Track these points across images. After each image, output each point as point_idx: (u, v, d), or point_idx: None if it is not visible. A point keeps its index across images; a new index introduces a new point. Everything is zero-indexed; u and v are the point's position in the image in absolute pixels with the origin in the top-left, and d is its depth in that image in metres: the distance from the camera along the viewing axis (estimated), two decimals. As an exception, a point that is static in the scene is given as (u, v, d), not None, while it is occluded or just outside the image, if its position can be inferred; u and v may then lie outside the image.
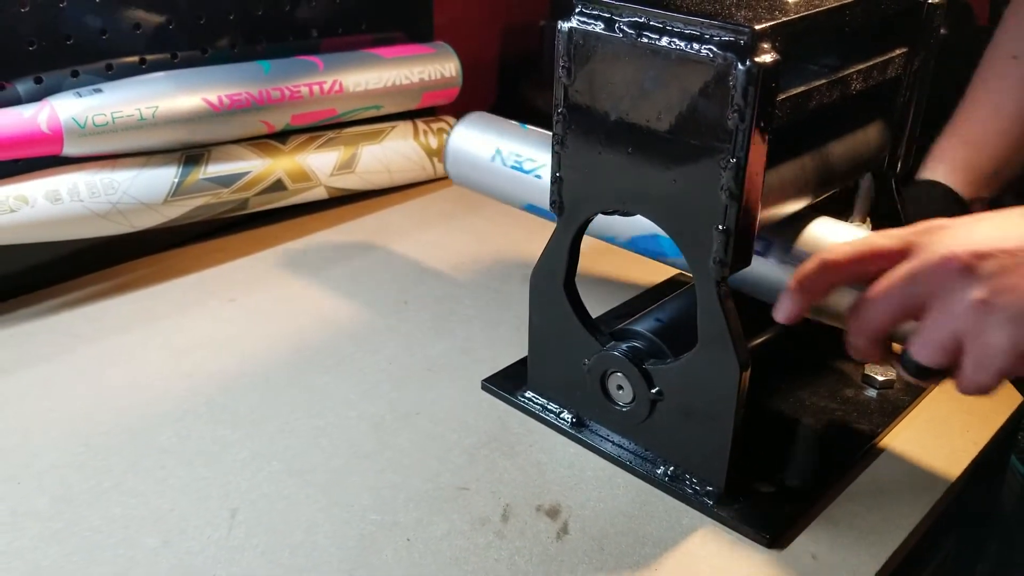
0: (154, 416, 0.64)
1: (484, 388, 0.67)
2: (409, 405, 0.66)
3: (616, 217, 0.60)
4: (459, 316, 0.77)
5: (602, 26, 0.51)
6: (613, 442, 0.61)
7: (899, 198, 0.65)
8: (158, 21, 0.83)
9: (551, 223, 0.60)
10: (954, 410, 0.66)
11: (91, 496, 0.57)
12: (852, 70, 0.55)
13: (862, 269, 0.51)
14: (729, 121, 0.47)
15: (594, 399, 0.61)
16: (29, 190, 0.73)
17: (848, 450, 0.61)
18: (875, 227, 0.66)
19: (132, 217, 0.79)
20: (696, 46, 0.47)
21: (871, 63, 0.57)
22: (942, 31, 0.61)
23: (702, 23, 0.47)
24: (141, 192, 0.78)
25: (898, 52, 0.59)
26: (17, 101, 0.76)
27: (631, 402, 0.59)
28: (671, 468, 0.58)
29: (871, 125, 0.62)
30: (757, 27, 0.46)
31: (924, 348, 0.49)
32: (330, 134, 0.93)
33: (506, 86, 1.25)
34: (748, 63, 0.46)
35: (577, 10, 0.52)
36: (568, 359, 0.61)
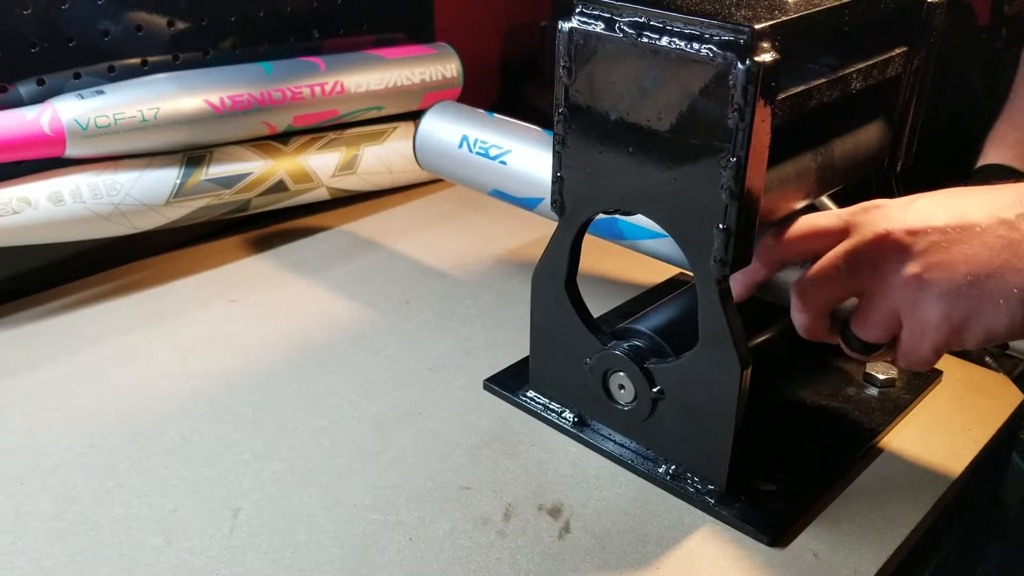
0: (157, 416, 0.64)
1: (486, 388, 0.68)
2: (411, 405, 0.66)
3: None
4: (461, 316, 0.78)
5: (602, 26, 0.51)
6: (615, 441, 0.61)
7: (898, 196, 0.65)
8: (160, 23, 0.83)
9: (552, 222, 0.60)
10: (955, 408, 0.66)
11: (94, 496, 0.57)
12: (852, 69, 0.56)
13: (804, 247, 0.53)
14: (729, 120, 0.47)
15: (596, 398, 0.61)
16: (32, 192, 0.74)
17: (849, 449, 0.61)
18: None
19: (134, 218, 0.79)
20: (696, 46, 0.48)
21: (871, 62, 0.57)
22: (942, 30, 0.61)
23: (702, 23, 0.47)
24: (143, 193, 0.79)
25: (898, 51, 0.59)
26: (19, 103, 0.76)
27: (632, 401, 0.59)
28: (673, 467, 0.58)
29: (871, 124, 0.62)
30: (757, 27, 0.46)
31: (864, 324, 0.52)
32: (332, 135, 0.93)
33: (507, 87, 1.25)
34: (748, 62, 0.46)
35: (577, 10, 0.52)
36: (570, 358, 0.62)
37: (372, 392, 0.67)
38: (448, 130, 0.76)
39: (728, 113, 0.47)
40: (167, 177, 0.80)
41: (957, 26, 1.08)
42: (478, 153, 0.74)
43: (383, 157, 0.96)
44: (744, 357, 0.52)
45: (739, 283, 0.55)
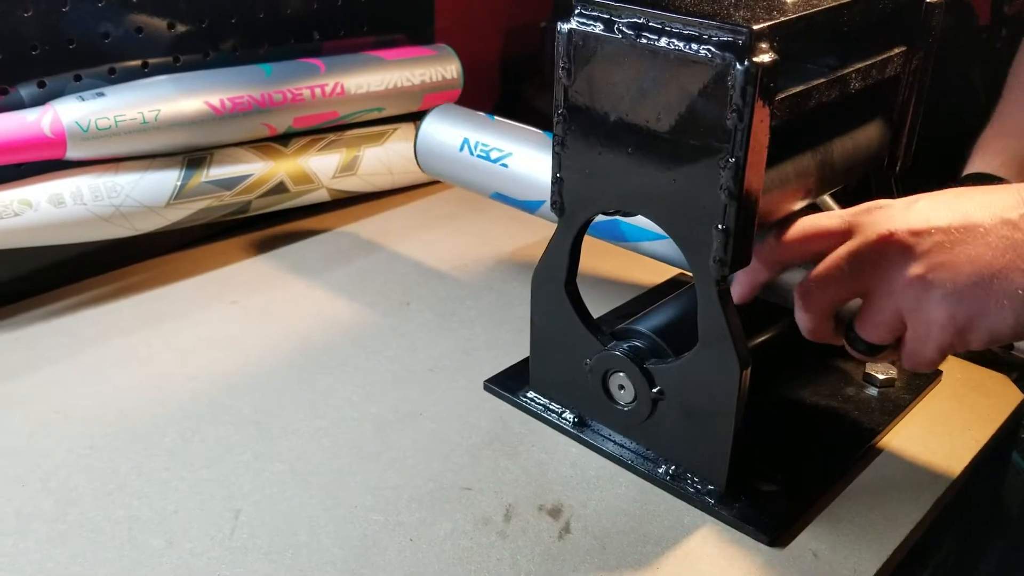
0: (158, 418, 0.64)
1: (486, 388, 0.68)
2: (411, 405, 0.66)
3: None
4: (461, 317, 0.78)
5: (601, 27, 0.52)
6: (615, 442, 0.61)
7: (897, 195, 0.65)
8: (160, 25, 0.83)
9: (552, 223, 0.60)
10: (955, 408, 0.66)
11: (96, 497, 0.57)
12: (851, 69, 0.56)
13: (807, 249, 0.53)
14: (728, 121, 0.47)
15: (596, 399, 0.61)
16: (32, 194, 0.74)
17: (849, 448, 0.61)
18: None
19: (135, 220, 0.79)
20: (695, 46, 0.48)
21: (870, 62, 0.57)
22: (941, 30, 0.61)
23: (700, 23, 0.47)
24: (144, 195, 0.79)
25: (897, 51, 0.59)
26: (20, 105, 0.76)
27: (632, 402, 0.59)
28: (672, 467, 0.58)
29: (871, 124, 0.62)
30: (755, 27, 0.46)
31: (868, 325, 0.51)
32: (332, 136, 0.93)
33: (508, 88, 1.25)
34: (746, 63, 0.46)
35: (576, 11, 0.52)
36: (570, 359, 0.62)
37: (373, 393, 0.67)
38: (449, 133, 0.77)
39: (727, 114, 0.47)
40: (168, 179, 0.80)
41: (957, 26, 1.08)
42: (479, 156, 0.74)
43: (383, 158, 0.96)
44: (744, 357, 0.52)
45: (741, 285, 0.55)
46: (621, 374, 0.59)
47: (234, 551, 0.53)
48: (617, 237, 0.67)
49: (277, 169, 0.88)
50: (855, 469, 0.60)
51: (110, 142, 0.76)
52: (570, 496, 0.58)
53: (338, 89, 0.90)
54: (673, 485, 0.58)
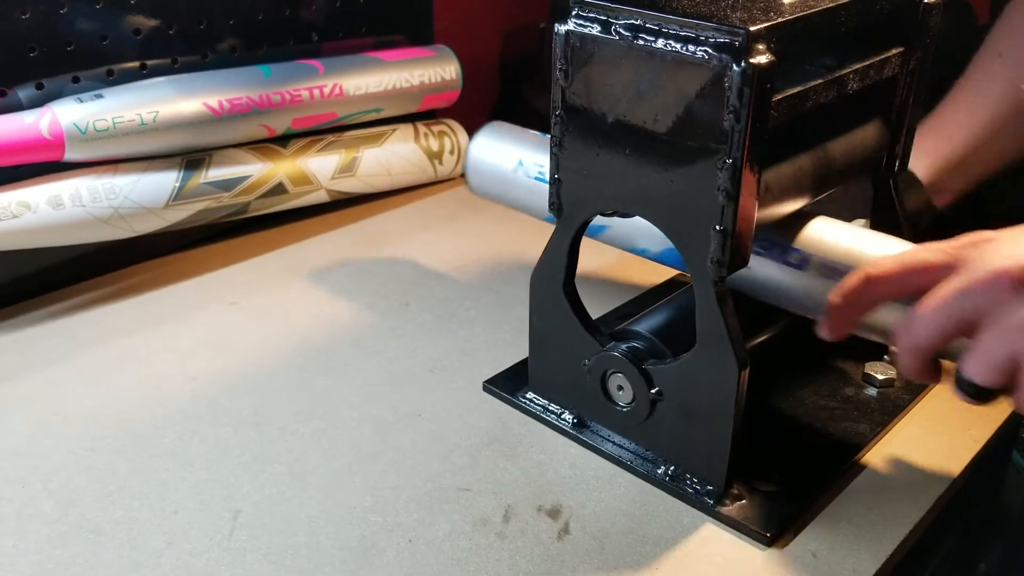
0: (157, 419, 0.64)
1: (485, 389, 0.68)
2: (410, 406, 0.66)
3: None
4: (460, 317, 0.78)
5: (598, 28, 0.52)
6: (614, 442, 0.61)
7: (897, 197, 0.65)
8: (158, 26, 0.83)
9: (552, 225, 0.60)
10: (954, 408, 0.66)
11: (95, 498, 0.57)
12: (848, 70, 0.56)
13: (908, 284, 0.50)
14: (725, 122, 0.47)
15: (595, 399, 0.61)
16: (31, 196, 0.74)
17: (848, 448, 0.61)
18: (874, 227, 0.66)
19: (134, 221, 0.79)
20: (692, 48, 0.48)
21: (867, 63, 0.57)
22: (939, 30, 0.61)
23: (697, 25, 0.47)
24: (143, 196, 0.79)
25: (894, 52, 0.60)
26: (19, 107, 0.76)
27: (631, 402, 0.59)
28: (671, 468, 0.58)
29: (868, 124, 0.62)
30: (752, 28, 0.46)
31: (978, 368, 0.48)
32: (331, 137, 0.93)
33: (507, 88, 1.25)
34: (743, 64, 0.46)
35: (574, 12, 0.53)
36: (568, 360, 0.62)
37: (372, 394, 0.67)
38: (502, 153, 0.73)
39: (724, 115, 0.47)
40: (166, 180, 0.80)
41: (956, 26, 1.08)
42: (536, 178, 0.71)
43: (382, 159, 0.96)
44: (742, 358, 0.52)
45: (832, 322, 0.52)
46: (620, 375, 0.59)
47: (233, 552, 0.53)
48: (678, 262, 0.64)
49: (276, 170, 0.88)
50: (854, 469, 0.60)
51: (108, 144, 0.76)
52: (569, 497, 0.58)
53: (337, 90, 0.91)
54: (672, 486, 0.58)
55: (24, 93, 0.77)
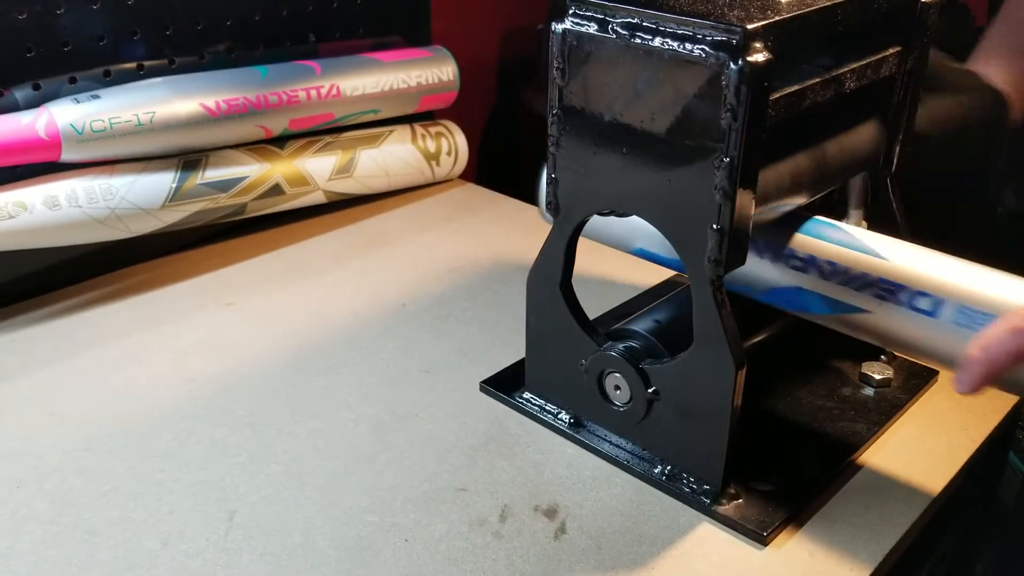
0: (153, 419, 0.64)
1: (482, 389, 0.68)
2: (407, 407, 0.66)
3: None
4: (457, 318, 0.78)
5: (595, 27, 0.52)
6: (611, 442, 0.61)
7: (894, 197, 0.65)
8: (155, 27, 0.83)
9: (550, 225, 0.60)
10: (951, 408, 0.66)
11: (91, 499, 0.57)
12: (846, 69, 0.56)
13: None
14: (722, 121, 0.47)
15: (592, 399, 0.61)
16: (28, 196, 0.74)
17: (845, 448, 0.61)
18: (872, 227, 0.66)
19: (130, 222, 0.79)
20: (689, 46, 0.48)
21: (864, 62, 0.57)
22: (936, 30, 0.61)
23: (694, 23, 0.47)
24: (139, 197, 0.79)
25: (892, 51, 0.60)
26: (15, 108, 0.76)
27: (628, 402, 0.59)
28: (668, 467, 0.58)
29: (866, 124, 0.62)
30: (749, 27, 0.46)
31: None
32: (328, 138, 0.93)
33: (505, 90, 1.25)
34: (740, 62, 0.46)
35: (571, 11, 0.52)
36: (565, 360, 0.62)
37: (368, 394, 0.67)
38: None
39: (721, 113, 0.47)
40: (163, 181, 0.80)
41: (954, 27, 1.08)
42: None
43: (379, 160, 0.96)
44: (738, 357, 0.52)
45: (972, 376, 0.47)
46: (617, 374, 0.59)
47: (229, 552, 0.53)
48: (802, 308, 0.59)
49: (273, 171, 0.88)
50: (851, 469, 0.60)
51: (105, 144, 0.76)
52: (566, 496, 0.58)
53: (334, 91, 0.90)
54: (669, 485, 0.58)
55: (21, 93, 0.77)
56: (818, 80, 0.53)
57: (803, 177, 0.57)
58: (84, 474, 0.59)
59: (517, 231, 0.93)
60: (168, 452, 0.61)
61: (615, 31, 0.51)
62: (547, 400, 0.65)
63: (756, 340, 0.63)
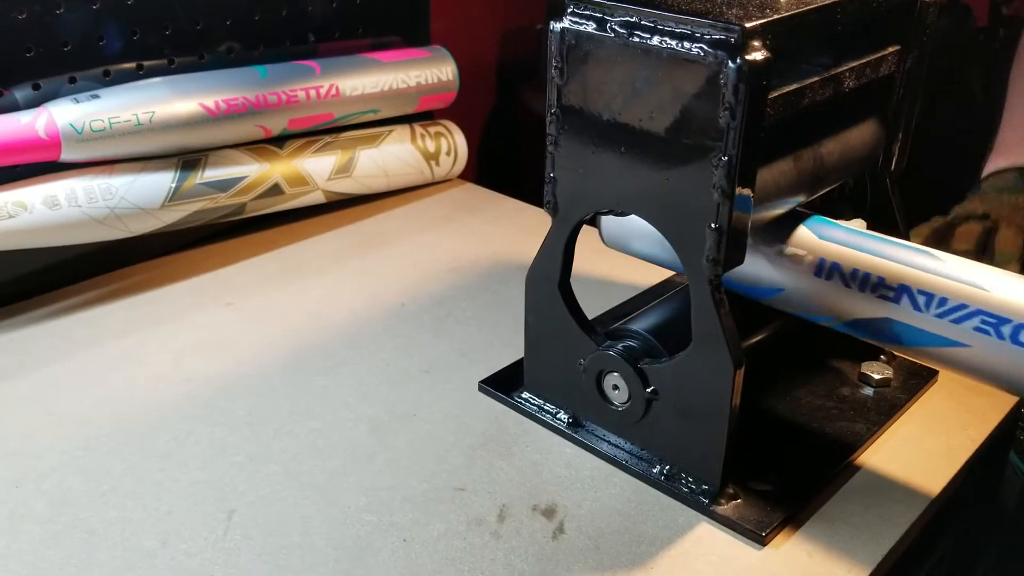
0: (152, 419, 0.64)
1: (481, 389, 0.67)
2: (406, 407, 0.66)
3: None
4: (456, 318, 0.78)
5: (594, 26, 0.51)
6: (609, 442, 0.61)
7: (893, 196, 0.65)
8: (155, 27, 0.83)
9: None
10: (951, 408, 0.66)
11: (89, 499, 0.57)
12: (844, 68, 0.56)
13: None
14: (721, 119, 0.47)
15: (590, 399, 0.61)
16: (27, 196, 0.74)
17: (844, 448, 0.61)
18: (871, 227, 0.66)
19: (130, 222, 0.79)
20: (687, 45, 0.48)
21: (863, 61, 0.57)
22: (936, 29, 0.61)
23: (693, 22, 0.47)
24: (139, 197, 0.79)
25: (891, 50, 0.59)
26: (15, 107, 0.76)
27: (627, 402, 0.59)
28: (667, 467, 0.58)
29: (865, 123, 0.62)
30: (747, 25, 0.46)
31: None
32: (327, 138, 0.93)
33: (504, 90, 1.25)
34: (738, 61, 0.46)
35: (569, 10, 0.52)
36: (564, 359, 0.62)
37: (367, 394, 0.67)
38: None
39: (720, 112, 0.47)
40: (162, 181, 0.80)
41: (955, 27, 1.08)
42: None
43: (379, 160, 0.96)
44: (737, 357, 0.52)
45: None
46: (615, 374, 0.59)
47: (227, 552, 0.53)
48: (892, 340, 0.56)
49: (272, 171, 0.88)
50: (850, 469, 0.60)
51: (105, 144, 0.76)
52: (564, 496, 0.57)
53: (333, 91, 0.90)
54: (667, 485, 0.58)
55: (20, 93, 0.77)
56: (817, 79, 0.53)
57: (802, 176, 0.57)
58: (83, 474, 0.59)
59: (516, 231, 0.93)
60: (167, 452, 0.61)
61: (613, 30, 0.51)
62: (546, 400, 0.65)
63: (755, 340, 0.63)
